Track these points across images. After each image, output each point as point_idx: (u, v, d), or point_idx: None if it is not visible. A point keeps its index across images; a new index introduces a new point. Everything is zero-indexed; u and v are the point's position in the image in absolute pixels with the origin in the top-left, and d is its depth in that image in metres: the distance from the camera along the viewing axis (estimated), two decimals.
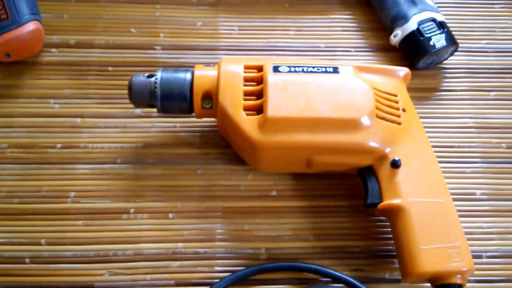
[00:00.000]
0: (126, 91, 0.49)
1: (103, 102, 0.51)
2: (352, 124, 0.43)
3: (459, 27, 0.56)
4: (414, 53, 0.52)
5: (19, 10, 0.49)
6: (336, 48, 0.55)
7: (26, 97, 0.50)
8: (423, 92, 0.53)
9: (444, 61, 0.54)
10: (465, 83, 0.54)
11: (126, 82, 0.50)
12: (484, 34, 0.56)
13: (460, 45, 0.54)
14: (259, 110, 0.44)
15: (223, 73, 0.45)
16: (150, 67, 0.53)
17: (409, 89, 0.49)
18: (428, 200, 0.42)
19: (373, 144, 0.43)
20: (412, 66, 0.53)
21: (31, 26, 0.49)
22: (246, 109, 0.44)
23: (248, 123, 0.43)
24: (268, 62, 0.46)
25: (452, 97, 0.53)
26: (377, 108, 0.44)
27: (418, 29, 0.52)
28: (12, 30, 0.48)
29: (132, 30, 0.54)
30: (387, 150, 0.43)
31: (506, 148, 0.51)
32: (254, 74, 0.45)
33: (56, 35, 0.53)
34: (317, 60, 0.47)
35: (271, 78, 0.44)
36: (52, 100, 0.50)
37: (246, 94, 0.45)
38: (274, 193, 0.48)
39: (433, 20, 0.52)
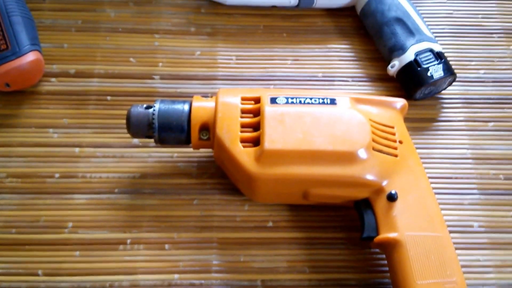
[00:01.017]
0: (124, 121, 0.50)
1: (102, 131, 0.51)
2: (349, 157, 0.43)
3: (457, 57, 0.57)
4: (411, 83, 0.53)
5: (19, 41, 0.49)
6: (334, 77, 0.56)
7: (25, 126, 0.51)
8: (421, 122, 0.53)
9: (442, 91, 0.55)
10: (462, 114, 0.54)
11: (125, 112, 0.51)
12: (482, 64, 0.57)
13: (457, 75, 0.54)
14: (256, 142, 0.44)
15: (220, 104, 0.45)
16: (148, 96, 0.53)
17: (407, 119, 0.49)
18: (424, 234, 0.41)
19: (369, 177, 0.43)
20: (409, 96, 0.54)
21: (31, 56, 0.49)
22: (243, 141, 0.44)
23: (244, 155, 0.43)
24: (265, 93, 0.46)
25: (449, 127, 0.53)
26: (373, 140, 0.44)
27: (415, 60, 0.52)
28: (12, 61, 0.49)
29: (131, 59, 0.55)
30: (384, 183, 0.43)
31: (504, 180, 0.51)
32: (251, 106, 0.46)
33: (56, 64, 0.54)
34: (315, 91, 0.47)
35: (268, 110, 0.44)
36: (51, 130, 0.51)
37: (243, 126, 0.45)
38: (270, 224, 0.48)
39: (431, 50, 0.52)
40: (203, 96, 0.47)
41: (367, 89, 0.55)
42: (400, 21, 0.54)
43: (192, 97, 0.47)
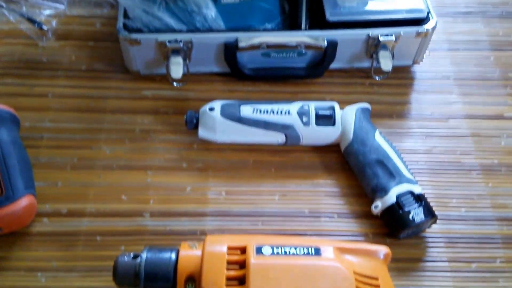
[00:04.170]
0: (112, 263, 0.50)
1: (89, 275, 0.51)
2: None
3: (437, 194, 0.59)
4: (394, 225, 0.54)
5: (14, 186, 0.51)
6: (320, 213, 0.57)
7: (15, 269, 0.51)
8: (405, 262, 0.54)
9: (426, 229, 0.56)
10: (446, 253, 0.55)
11: (113, 253, 0.51)
12: (463, 202, 0.58)
13: (439, 213, 0.56)
14: None
15: (207, 255, 0.46)
16: (137, 235, 0.54)
17: (391, 259, 0.50)
18: None
19: None
20: (393, 235, 0.55)
21: (24, 201, 0.51)
22: None
23: None
24: (251, 242, 0.47)
25: (434, 268, 0.54)
26: None
27: (397, 203, 0.54)
28: (5, 206, 0.50)
29: (123, 197, 0.57)
30: None
31: None
32: (237, 256, 0.46)
33: (49, 203, 0.55)
34: (301, 239, 0.49)
35: (253, 264, 0.45)
36: (39, 273, 0.51)
37: (229, 278, 0.45)
38: None
39: (411, 193, 0.54)
40: (190, 244, 0.48)
41: (352, 226, 0.56)
42: (381, 163, 0.56)
43: (180, 244, 0.48)
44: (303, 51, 0.63)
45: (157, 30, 0.60)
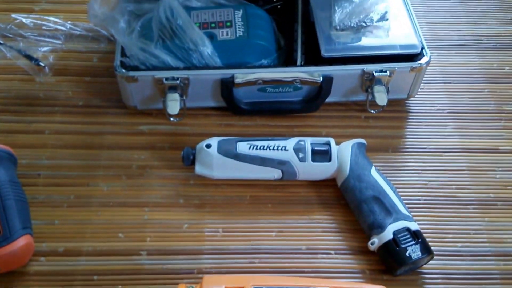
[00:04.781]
0: None
1: None
2: None
3: (433, 229, 0.59)
4: (391, 262, 0.54)
5: (11, 226, 0.51)
6: (317, 250, 0.57)
7: None
8: None
9: (423, 265, 0.56)
10: None
11: None
12: (459, 237, 0.58)
13: (436, 248, 0.56)
14: None
15: None
16: (134, 275, 0.54)
17: None
18: None
19: None
20: (390, 272, 0.55)
21: (22, 241, 0.51)
22: None
23: None
24: (248, 283, 0.47)
25: None
26: None
27: (394, 239, 0.54)
28: (3, 247, 0.50)
29: (120, 235, 0.56)
30: None
31: None
32: None
33: (46, 242, 0.55)
34: (298, 279, 0.49)
35: None
36: None
37: None
38: None
39: (408, 229, 0.54)
40: (187, 285, 0.48)
41: (349, 263, 0.56)
42: (377, 199, 0.56)
43: (177, 285, 0.48)
44: (299, 86, 0.64)
45: (154, 68, 0.61)
